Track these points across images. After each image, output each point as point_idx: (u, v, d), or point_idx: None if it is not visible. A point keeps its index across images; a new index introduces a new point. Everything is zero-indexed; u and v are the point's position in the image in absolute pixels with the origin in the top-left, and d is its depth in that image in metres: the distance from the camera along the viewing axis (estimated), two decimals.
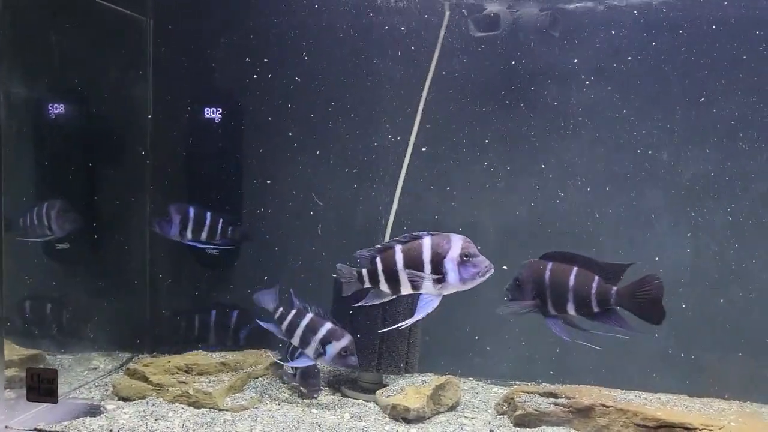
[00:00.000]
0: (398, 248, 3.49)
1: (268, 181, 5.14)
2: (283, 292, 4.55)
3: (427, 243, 3.43)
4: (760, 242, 4.63)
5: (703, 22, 4.60)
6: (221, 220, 4.84)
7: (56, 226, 4.65)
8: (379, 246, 3.57)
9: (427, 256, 3.41)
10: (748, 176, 4.65)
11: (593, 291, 3.75)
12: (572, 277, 3.79)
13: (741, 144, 4.65)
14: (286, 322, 4.32)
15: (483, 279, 3.38)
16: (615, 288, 3.73)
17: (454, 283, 3.40)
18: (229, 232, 4.88)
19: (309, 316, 4.27)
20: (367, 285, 3.59)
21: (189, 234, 4.75)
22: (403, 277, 3.47)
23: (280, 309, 4.38)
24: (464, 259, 3.36)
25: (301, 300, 4.37)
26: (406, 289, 3.49)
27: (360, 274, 3.58)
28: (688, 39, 4.63)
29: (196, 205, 4.82)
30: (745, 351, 4.65)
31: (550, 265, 3.86)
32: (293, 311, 4.33)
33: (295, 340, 4.28)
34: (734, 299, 4.65)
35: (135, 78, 5.18)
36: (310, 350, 4.23)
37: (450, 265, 3.38)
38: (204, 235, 4.79)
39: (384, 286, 3.54)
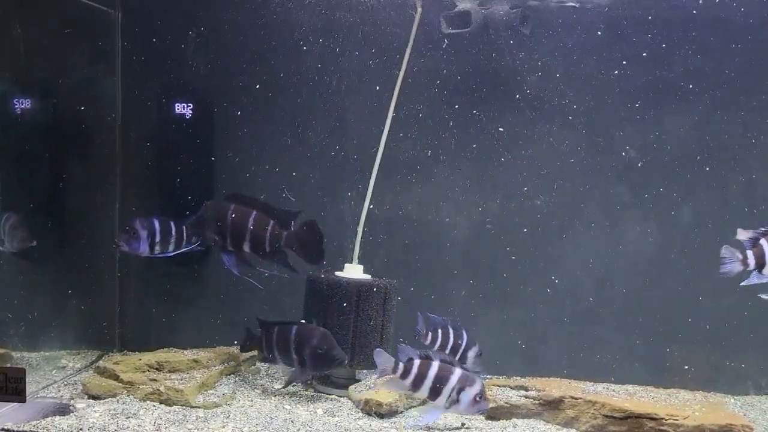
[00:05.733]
0: None
1: (240, 177, 5.10)
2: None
3: None
4: (721, 236, 4.73)
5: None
6: (183, 226, 4.61)
7: (7, 242, 4.59)
8: (764, 229, 3.52)
9: None
10: (707, 171, 4.74)
11: (268, 233, 4.25)
12: (251, 219, 4.27)
13: (696, 143, 4.75)
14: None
15: None
16: (286, 232, 4.28)
17: None
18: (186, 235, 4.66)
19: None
20: (752, 267, 3.52)
21: (158, 247, 4.49)
22: None
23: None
24: None
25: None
26: None
27: (745, 255, 3.50)
28: (657, 35, 4.71)
29: (158, 216, 4.56)
30: (710, 343, 4.76)
31: (232, 206, 4.31)
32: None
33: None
34: (698, 292, 4.76)
35: (103, 72, 5.09)
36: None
37: None
38: (171, 246, 4.57)
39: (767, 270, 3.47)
